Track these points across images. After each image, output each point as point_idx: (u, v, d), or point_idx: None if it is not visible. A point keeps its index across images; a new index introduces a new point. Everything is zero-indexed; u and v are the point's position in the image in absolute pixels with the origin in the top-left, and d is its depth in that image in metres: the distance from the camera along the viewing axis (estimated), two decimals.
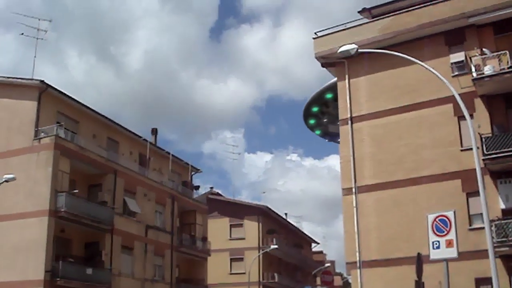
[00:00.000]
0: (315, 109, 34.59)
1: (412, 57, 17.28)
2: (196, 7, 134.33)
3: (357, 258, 24.76)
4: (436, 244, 13.84)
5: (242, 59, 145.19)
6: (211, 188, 61.86)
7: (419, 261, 15.84)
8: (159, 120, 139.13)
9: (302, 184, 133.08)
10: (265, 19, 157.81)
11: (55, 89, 32.99)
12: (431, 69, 16.13)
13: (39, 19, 35.23)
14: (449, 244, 13.66)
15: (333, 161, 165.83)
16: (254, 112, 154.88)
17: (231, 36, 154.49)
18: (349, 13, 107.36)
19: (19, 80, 33.35)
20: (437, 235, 13.84)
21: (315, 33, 28.10)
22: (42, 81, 32.20)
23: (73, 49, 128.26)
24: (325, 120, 37.17)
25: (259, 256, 51.83)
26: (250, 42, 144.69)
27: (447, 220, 13.81)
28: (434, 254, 13.92)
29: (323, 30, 28.11)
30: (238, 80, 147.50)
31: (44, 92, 32.40)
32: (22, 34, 35.46)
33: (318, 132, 38.16)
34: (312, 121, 36.14)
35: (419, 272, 15.81)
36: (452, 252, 13.63)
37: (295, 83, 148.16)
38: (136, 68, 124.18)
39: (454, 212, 13.95)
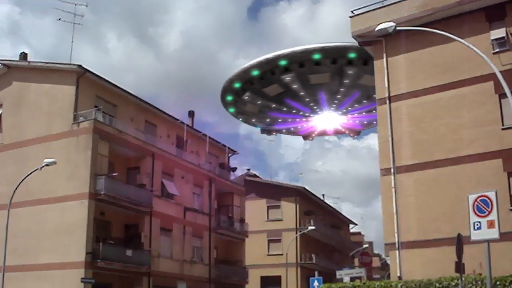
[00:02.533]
0: (237, 85, 34.05)
1: (451, 34, 16.88)
2: None
3: (396, 239, 24.50)
4: (477, 225, 13.57)
5: (281, 37, 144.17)
6: (248, 169, 62.05)
7: (460, 242, 15.59)
8: (197, 102, 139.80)
9: (341, 165, 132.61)
10: None
11: (93, 73, 33.34)
12: (471, 46, 15.73)
13: (75, 4, 35.63)
14: (490, 224, 13.38)
15: (372, 141, 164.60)
16: None
17: (269, 14, 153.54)
18: None
19: (57, 65, 33.81)
20: (478, 215, 13.57)
21: (352, 11, 27.70)
22: (79, 66, 32.56)
23: (112, 31, 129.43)
24: (245, 97, 36.62)
25: (296, 237, 51.89)
26: (289, 19, 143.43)
27: (488, 200, 13.52)
28: (475, 235, 13.66)
29: (360, 8, 27.68)
30: None
31: (82, 77, 32.79)
32: (60, 19, 35.91)
33: (232, 110, 37.59)
34: (229, 97, 35.63)
35: (459, 253, 15.58)
36: (494, 233, 13.36)
37: None
38: (174, 49, 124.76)
39: (496, 192, 13.64)
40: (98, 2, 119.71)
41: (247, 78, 34.54)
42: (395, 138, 25.61)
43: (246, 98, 37.05)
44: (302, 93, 36.23)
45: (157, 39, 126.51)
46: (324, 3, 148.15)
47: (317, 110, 40.02)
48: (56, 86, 33.56)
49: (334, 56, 31.96)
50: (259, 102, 37.46)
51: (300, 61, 32.55)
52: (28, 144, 33.25)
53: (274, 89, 35.62)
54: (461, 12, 24.81)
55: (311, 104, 38.48)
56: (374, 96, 34.82)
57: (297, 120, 42.21)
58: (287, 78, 34.06)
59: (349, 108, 39.45)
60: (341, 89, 35.42)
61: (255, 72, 33.67)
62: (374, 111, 38.28)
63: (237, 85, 35.55)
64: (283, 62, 32.56)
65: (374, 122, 41.23)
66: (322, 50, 31.78)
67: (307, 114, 40.75)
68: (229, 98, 37.66)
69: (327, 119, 41.70)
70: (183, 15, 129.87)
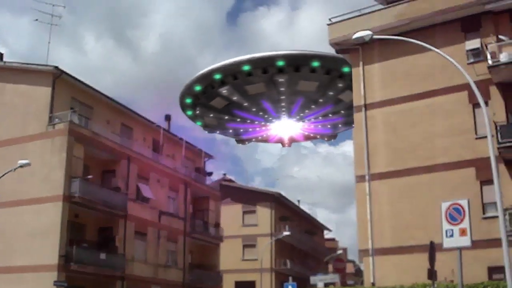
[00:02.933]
0: (198, 88, 34.31)
1: (427, 44, 17.13)
2: None
3: (370, 246, 24.72)
4: (449, 232, 13.79)
5: (260, 42, 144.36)
6: (224, 174, 62.00)
7: (432, 249, 15.79)
8: (175, 106, 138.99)
9: (318, 171, 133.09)
10: (282, 2, 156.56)
11: (69, 75, 33.10)
12: (446, 56, 15.99)
13: (53, 5, 35.50)
14: (462, 232, 13.61)
15: (348, 147, 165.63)
16: None
17: (248, 19, 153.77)
18: None
19: (34, 66, 33.50)
20: (451, 223, 13.79)
21: (330, 19, 27.94)
22: (56, 67, 32.32)
23: (90, 33, 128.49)
24: (198, 112, 36.98)
25: (271, 242, 51.97)
26: (267, 25, 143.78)
27: (461, 208, 13.75)
28: (448, 243, 13.87)
29: (337, 16, 27.94)
30: None
31: (58, 78, 32.54)
32: (36, 20, 35.63)
33: (189, 113, 37.82)
34: (189, 100, 35.86)
35: (432, 260, 15.78)
36: (466, 241, 13.59)
37: None
38: (152, 52, 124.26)
39: (468, 201, 13.88)
40: (77, 2, 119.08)
41: (193, 94, 34.95)
42: (370, 145, 25.86)
43: (198, 113, 37.40)
44: (246, 104, 36.57)
45: (135, 42, 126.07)
46: (303, 10, 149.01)
47: (270, 118, 40.25)
48: (32, 87, 33.24)
49: (263, 66, 32.32)
50: (211, 115, 37.83)
51: (233, 73, 32.96)
52: (3, 145, 32.84)
53: (219, 102, 35.95)
54: (437, 22, 25.17)
55: (261, 113, 38.75)
56: (321, 100, 35.11)
57: (257, 129, 42.33)
58: (224, 91, 34.53)
59: (301, 114, 39.72)
60: (282, 97, 35.70)
61: (198, 87, 34.09)
62: (330, 115, 38.61)
63: (188, 100, 35.88)
64: (217, 76, 32.99)
65: (340, 126, 41.51)
66: (250, 61, 32.08)
67: (262, 123, 40.94)
68: (189, 113, 37.96)
69: (286, 126, 41.92)
70: (162, 18, 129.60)
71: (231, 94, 34.97)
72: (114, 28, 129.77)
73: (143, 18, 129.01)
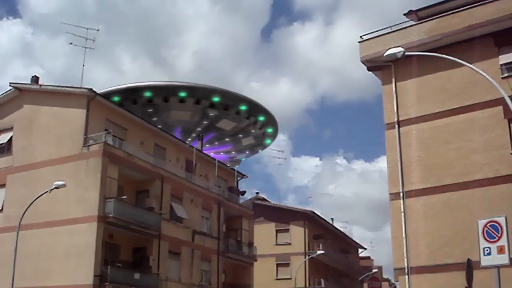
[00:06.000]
0: (116, 99, 34.41)
1: (460, 59, 16.95)
2: (246, 7, 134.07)
3: (405, 264, 24.33)
4: (487, 250, 13.50)
5: (294, 59, 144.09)
6: (257, 193, 62.03)
7: (470, 267, 15.51)
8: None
9: (354, 188, 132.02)
10: (316, 17, 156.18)
11: (103, 97, 33.62)
12: (480, 71, 15.79)
13: (87, 29, 36.04)
14: (500, 250, 13.32)
15: (384, 164, 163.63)
16: (306, 115, 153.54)
17: (282, 35, 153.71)
18: (402, 11, 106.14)
19: (68, 88, 34.12)
20: (488, 241, 13.51)
21: (361, 36, 27.86)
22: (90, 89, 32.85)
23: (126, 53, 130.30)
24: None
25: (305, 261, 51.62)
26: (302, 41, 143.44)
27: (498, 226, 13.47)
28: (485, 261, 13.58)
29: (369, 33, 27.83)
30: (290, 81, 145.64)
31: (92, 100, 33.05)
32: (71, 43, 36.35)
33: None
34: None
35: (469, 279, 15.48)
36: (504, 259, 13.29)
37: (347, 83, 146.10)
38: (187, 70, 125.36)
39: (506, 218, 13.59)
40: (112, 22, 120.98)
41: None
42: (404, 162, 25.58)
43: None
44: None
45: (170, 61, 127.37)
46: (338, 25, 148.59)
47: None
48: (66, 109, 33.83)
49: (132, 96, 32.95)
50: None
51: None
52: (38, 166, 33.43)
53: None
54: (469, 37, 24.89)
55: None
56: (198, 128, 35.57)
57: None
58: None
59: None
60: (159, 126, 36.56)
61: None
62: (221, 153, 39.02)
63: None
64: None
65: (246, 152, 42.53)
66: (119, 92, 32.78)
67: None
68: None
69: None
70: (197, 36, 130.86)
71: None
72: (149, 47, 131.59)
73: (178, 37, 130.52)
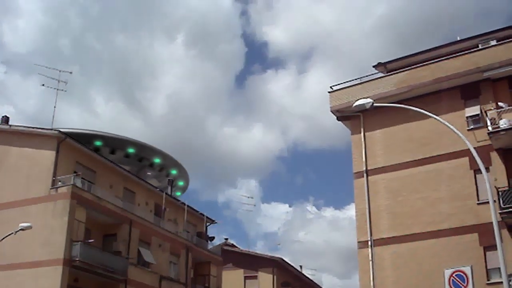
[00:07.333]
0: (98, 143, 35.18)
1: (427, 110, 17.39)
2: (221, 53, 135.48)
3: None
4: None
5: (267, 106, 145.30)
6: (226, 239, 61.43)
7: None
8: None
9: (323, 235, 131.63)
10: (290, 66, 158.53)
11: (74, 139, 33.42)
12: (446, 123, 16.22)
13: (59, 71, 35.93)
14: None
15: (354, 212, 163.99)
16: (278, 161, 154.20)
17: (256, 81, 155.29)
18: (375, 60, 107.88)
19: (38, 130, 33.85)
20: None
21: (331, 87, 28.43)
22: (60, 131, 32.65)
23: (100, 94, 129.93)
24: None
25: None
26: (275, 88, 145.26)
27: (464, 275, 13.69)
28: None
29: (338, 84, 28.43)
30: (263, 127, 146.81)
31: (62, 142, 32.81)
32: (43, 85, 36.19)
33: None
34: None
35: None
36: None
37: (319, 131, 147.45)
38: (161, 114, 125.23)
39: (471, 268, 13.83)
40: (87, 63, 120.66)
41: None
42: (372, 211, 25.87)
43: None
44: None
45: (145, 104, 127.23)
46: (310, 73, 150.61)
47: None
48: (36, 150, 33.48)
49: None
50: None
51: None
52: (5, 207, 32.81)
53: None
54: (437, 89, 25.65)
55: None
56: None
57: None
58: None
59: None
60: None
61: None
62: None
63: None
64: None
65: None
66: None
67: None
68: None
69: None
70: (171, 80, 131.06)
71: None
72: (124, 89, 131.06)
73: (153, 80, 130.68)
